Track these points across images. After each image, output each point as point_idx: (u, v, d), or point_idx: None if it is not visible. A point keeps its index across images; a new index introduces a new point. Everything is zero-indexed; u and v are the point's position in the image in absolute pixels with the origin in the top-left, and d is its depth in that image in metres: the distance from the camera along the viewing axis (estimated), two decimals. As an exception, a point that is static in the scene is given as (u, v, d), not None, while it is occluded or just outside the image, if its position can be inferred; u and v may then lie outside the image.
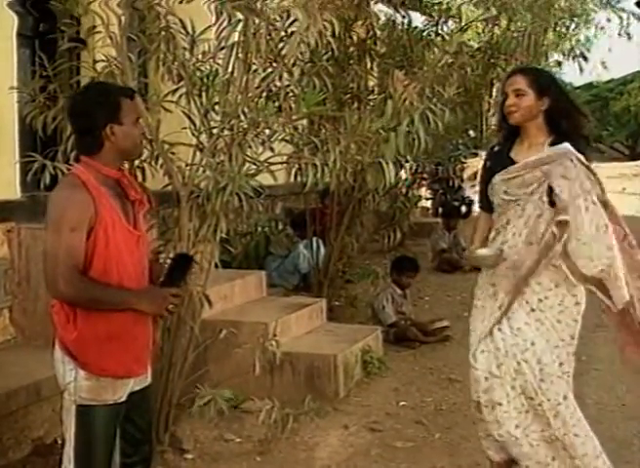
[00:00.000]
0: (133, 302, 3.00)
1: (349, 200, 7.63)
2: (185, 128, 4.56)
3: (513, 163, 3.85)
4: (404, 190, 9.98)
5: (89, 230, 2.90)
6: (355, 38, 6.56)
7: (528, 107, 3.80)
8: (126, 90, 3.19)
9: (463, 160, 13.38)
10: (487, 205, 4.01)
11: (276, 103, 4.50)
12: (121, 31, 4.21)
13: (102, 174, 3.00)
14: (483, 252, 3.89)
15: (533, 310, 3.83)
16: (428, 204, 14.98)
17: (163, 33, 4.24)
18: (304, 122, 4.99)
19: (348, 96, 6.57)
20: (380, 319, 7.31)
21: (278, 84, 4.61)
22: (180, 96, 4.45)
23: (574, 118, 3.86)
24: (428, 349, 7.03)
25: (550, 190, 3.75)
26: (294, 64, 4.61)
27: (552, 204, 3.75)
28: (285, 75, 4.58)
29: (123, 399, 3.08)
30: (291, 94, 4.68)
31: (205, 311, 4.74)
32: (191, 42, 4.35)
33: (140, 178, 4.54)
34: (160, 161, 4.44)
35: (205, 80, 4.40)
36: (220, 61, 4.44)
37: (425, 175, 12.49)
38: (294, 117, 4.31)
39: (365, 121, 4.31)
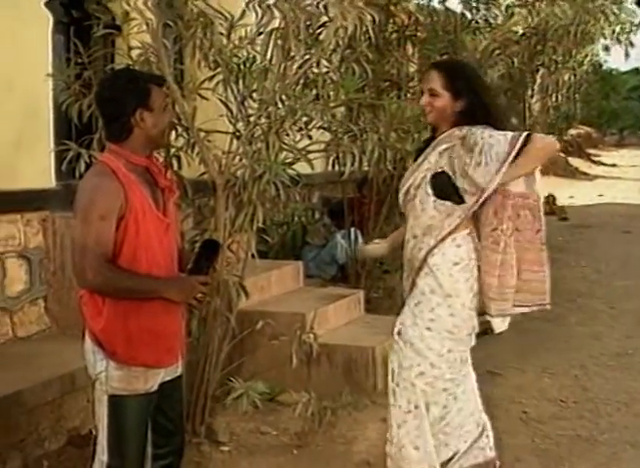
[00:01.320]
0: (161, 291, 3.00)
1: (388, 189, 7.60)
2: (222, 115, 4.57)
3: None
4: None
5: (119, 218, 2.91)
6: (395, 24, 6.53)
7: (441, 109, 3.71)
8: (155, 77, 3.21)
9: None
10: None
11: (314, 91, 4.49)
12: (156, 17, 4.22)
13: (131, 161, 3.00)
14: (369, 246, 3.99)
15: (413, 313, 3.82)
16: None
17: (201, 19, 4.23)
18: (342, 109, 4.97)
19: (388, 83, 6.54)
20: (419, 311, 7.27)
21: (316, 70, 4.60)
22: (217, 83, 4.46)
23: (491, 118, 3.71)
24: (469, 342, 6.99)
25: (435, 179, 3.70)
26: (333, 51, 4.59)
27: (440, 196, 3.70)
28: (323, 62, 4.57)
29: (154, 388, 3.10)
30: (329, 80, 4.67)
31: (241, 302, 4.76)
32: (229, 28, 4.35)
33: (175, 167, 4.57)
34: (196, 149, 4.46)
35: (242, 67, 4.40)
36: (257, 48, 4.44)
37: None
38: (332, 104, 4.29)
39: (405, 109, 4.28)
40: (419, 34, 6.41)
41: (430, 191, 3.70)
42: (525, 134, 3.58)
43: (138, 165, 3.03)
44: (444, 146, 3.69)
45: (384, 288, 7.91)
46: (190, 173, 4.68)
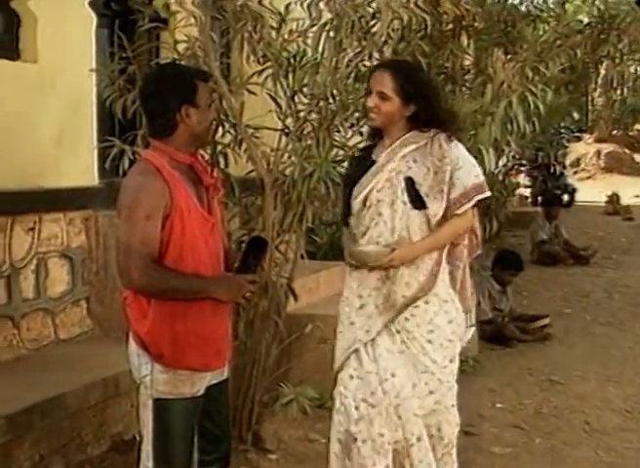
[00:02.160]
0: (209, 290, 3.03)
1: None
2: (271, 111, 4.60)
3: (370, 162, 3.70)
4: (500, 177, 9.87)
5: (164, 218, 2.93)
6: (451, 13, 6.50)
7: (390, 113, 3.61)
8: (201, 72, 3.22)
9: (566, 144, 13.16)
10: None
11: (366, 85, 4.49)
12: (202, 10, 4.26)
13: (175, 159, 3.03)
14: (369, 247, 3.66)
15: (398, 332, 3.68)
16: (527, 192, 14.80)
17: (247, 11, 4.27)
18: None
19: (442, 76, 6.52)
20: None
21: (368, 64, 4.61)
22: (266, 77, 4.49)
23: (440, 123, 3.65)
24: (527, 348, 6.98)
25: (412, 183, 3.61)
26: (385, 43, 4.59)
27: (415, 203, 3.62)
28: (375, 55, 4.58)
29: (201, 392, 3.12)
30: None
31: (290, 304, 4.79)
32: (280, 21, 4.38)
33: (222, 164, 4.62)
34: (244, 146, 4.49)
35: (292, 60, 4.43)
36: (308, 41, 4.46)
37: (524, 161, 12.32)
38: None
39: (462, 104, 4.27)
40: (475, 25, 6.38)
41: (406, 198, 3.62)
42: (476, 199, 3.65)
43: (182, 162, 3.05)
44: (410, 148, 3.64)
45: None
46: (237, 170, 4.72)
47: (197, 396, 3.12)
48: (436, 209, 3.62)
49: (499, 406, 5.62)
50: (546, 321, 7.41)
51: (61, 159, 5.36)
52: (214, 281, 3.08)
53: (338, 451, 3.74)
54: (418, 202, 3.62)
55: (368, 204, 3.66)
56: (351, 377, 3.70)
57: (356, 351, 3.70)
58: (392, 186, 3.62)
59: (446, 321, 3.70)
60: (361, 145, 4.24)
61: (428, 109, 3.61)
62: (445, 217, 3.63)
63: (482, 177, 3.72)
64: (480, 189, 3.68)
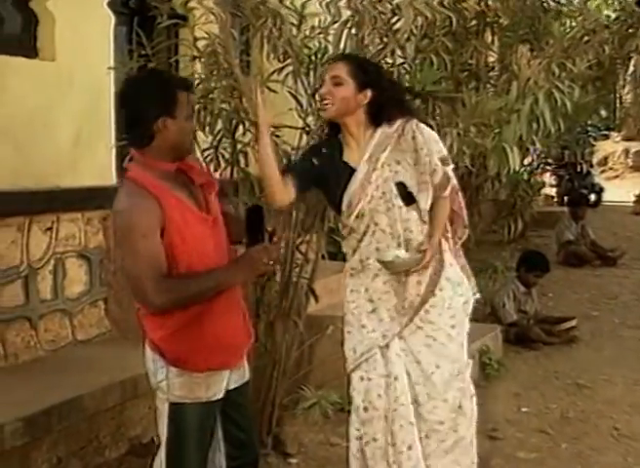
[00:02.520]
0: (226, 280, 3.02)
1: (465, 187, 7.53)
2: (291, 109, 4.61)
3: (349, 169, 3.65)
4: (526, 176, 9.84)
5: (161, 231, 2.91)
6: (472, 10, 6.48)
7: (345, 99, 3.54)
8: (183, 81, 3.16)
9: (593, 143, 13.10)
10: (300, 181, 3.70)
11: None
12: (221, 7, 4.27)
13: (158, 168, 3.00)
14: (402, 254, 3.63)
15: (420, 328, 3.70)
16: (553, 191, 14.74)
17: (265, 8, 4.27)
18: (417, 102, 4.96)
19: (466, 73, 6.50)
20: (499, 317, 7.26)
21: (389, 61, 4.60)
22: (287, 75, 4.50)
23: (400, 108, 3.64)
24: (553, 351, 6.95)
25: (404, 187, 3.61)
26: (407, 39, 4.59)
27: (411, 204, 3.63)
28: (397, 52, 4.58)
29: (217, 397, 3.12)
30: (404, 72, 4.67)
31: (310, 305, 4.79)
32: (299, 17, 4.39)
33: (242, 163, 4.63)
34: (264, 145, 4.49)
35: (313, 57, 4.43)
36: (329, 38, 4.46)
37: (550, 160, 12.27)
38: (408, 97, 4.29)
39: (486, 101, 4.26)
40: (500, 21, 6.35)
41: (401, 202, 3.62)
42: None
43: (166, 171, 3.03)
44: (387, 151, 3.62)
45: (462, 292, 7.87)
46: (257, 169, 4.72)
47: (213, 400, 3.12)
48: (424, 201, 3.65)
49: (524, 410, 5.60)
50: (573, 323, 7.38)
51: (79, 158, 5.40)
52: (228, 268, 3.06)
53: (355, 452, 3.78)
54: (413, 202, 3.64)
55: (360, 215, 3.65)
56: (361, 379, 3.74)
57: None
58: (384, 195, 3.63)
59: (462, 303, 3.77)
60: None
61: (386, 93, 3.59)
62: None
63: (445, 150, 3.74)
64: (447, 161, 3.70)
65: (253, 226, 3.07)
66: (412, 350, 3.68)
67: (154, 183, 2.95)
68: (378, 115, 3.60)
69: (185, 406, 3.07)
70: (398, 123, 3.61)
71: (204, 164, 4.63)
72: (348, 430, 3.83)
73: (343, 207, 3.66)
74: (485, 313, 7.54)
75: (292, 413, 4.82)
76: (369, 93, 3.56)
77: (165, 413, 3.10)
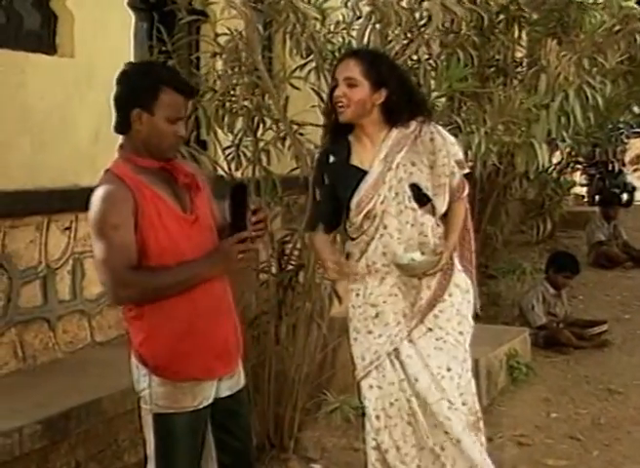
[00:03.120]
0: (199, 272, 2.95)
1: (493, 186, 7.57)
2: (314, 106, 4.62)
3: (359, 171, 3.62)
4: (555, 175, 9.81)
5: (134, 225, 2.88)
6: (499, 3, 6.47)
7: (361, 101, 3.50)
8: (179, 83, 3.01)
9: (625, 140, 13.03)
10: (329, 223, 3.79)
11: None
12: (241, 1, 4.29)
13: (138, 165, 2.97)
14: (417, 257, 3.61)
15: (430, 329, 3.68)
16: (583, 191, 14.67)
17: (285, 2, 4.29)
18: (443, 99, 4.97)
19: (493, 69, 6.50)
20: (527, 320, 7.24)
21: (414, 57, 4.61)
22: (310, 71, 4.52)
23: (416, 107, 3.60)
24: (583, 355, 6.92)
25: (418, 189, 3.59)
26: (432, 34, 4.59)
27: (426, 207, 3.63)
28: (422, 48, 4.57)
29: (205, 404, 3.06)
30: (429, 68, 4.67)
31: (334, 307, 4.80)
32: (321, 12, 4.40)
33: (264, 162, 4.65)
34: (287, 143, 4.51)
35: (337, 53, 4.45)
36: (353, 33, 4.48)
37: (580, 158, 12.22)
38: (434, 94, 4.30)
39: (515, 98, 4.26)
40: (527, 14, 6.34)
41: (415, 205, 3.61)
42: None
43: (146, 167, 2.99)
44: (403, 152, 3.60)
45: (489, 294, 7.87)
46: (280, 168, 4.75)
47: (200, 408, 3.05)
48: (441, 204, 3.64)
49: (553, 415, 5.58)
50: (604, 328, 7.35)
51: (98, 156, 5.42)
52: (200, 260, 2.97)
53: (374, 461, 3.77)
54: (426, 205, 3.63)
55: (371, 216, 3.63)
56: (370, 387, 3.72)
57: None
58: (397, 196, 3.61)
59: (469, 310, 3.78)
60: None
61: (401, 92, 3.56)
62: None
63: (461, 154, 3.73)
64: (463, 165, 3.71)
65: (236, 206, 2.97)
66: (421, 354, 3.67)
67: (131, 176, 2.93)
68: (393, 115, 3.59)
69: (171, 416, 3.00)
70: (415, 124, 3.61)
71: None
72: (366, 439, 3.83)
73: (352, 205, 3.63)
74: (513, 315, 7.54)
75: (314, 418, 4.83)
76: (384, 92, 3.54)
77: (150, 424, 3.03)
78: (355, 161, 3.65)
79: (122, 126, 2.99)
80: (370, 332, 3.71)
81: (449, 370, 3.67)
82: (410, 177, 3.60)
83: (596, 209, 11.54)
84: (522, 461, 4.85)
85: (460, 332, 3.72)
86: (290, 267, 4.69)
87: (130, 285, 2.88)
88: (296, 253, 4.66)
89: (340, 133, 3.69)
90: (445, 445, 3.67)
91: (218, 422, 3.14)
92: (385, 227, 3.62)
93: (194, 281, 2.95)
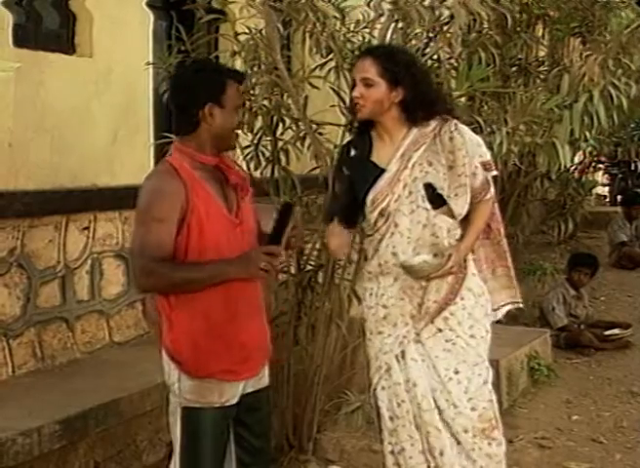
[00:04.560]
0: (222, 271, 2.98)
1: (514, 186, 7.54)
2: (334, 105, 4.62)
3: (377, 168, 3.62)
4: (577, 175, 9.76)
5: (180, 220, 2.93)
6: (522, 1, 6.45)
7: (378, 101, 3.51)
8: (235, 73, 3.18)
9: (648, 140, 12.93)
10: (344, 217, 3.76)
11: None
12: (263, 1, 4.29)
13: (196, 160, 3.03)
14: (423, 258, 3.59)
15: (440, 330, 3.67)
16: (605, 190, 14.61)
17: (309, 2, 4.29)
18: (463, 99, 4.96)
19: (515, 68, 6.48)
20: (548, 321, 7.22)
21: (435, 56, 4.60)
22: (329, 70, 4.52)
23: (432, 106, 3.59)
24: (605, 357, 6.89)
25: (432, 189, 3.58)
26: (452, 34, 4.58)
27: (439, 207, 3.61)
28: (445, 47, 4.56)
29: (232, 402, 3.10)
30: (450, 67, 4.66)
31: (353, 308, 4.80)
32: (340, 11, 4.40)
33: (283, 161, 4.65)
34: (307, 142, 4.52)
35: (357, 52, 4.43)
36: (374, 32, 4.47)
37: (602, 158, 12.16)
38: (455, 94, 4.29)
39: (537, 98, 4.24)
40: (551, 13, 6.32)
41: (429, 205, 3.60)
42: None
43: (204, 163, 3.05)
44: (421, 151, 3.60)
45: (509, 295, 7.83)
46: (299, 168, 4.75)
47: (227, 406, 3.10)
48: (461, 206, 3.62)
49: (575, 418, 5.56)
50: (630, 331, 7.29)
51: (117, 156, 5.47)
52: (221, 263, 3.01)
53: (391, 465, 3.78)
54: (442, 206, 3.62)
55: (385, 214, 3.63)
56: (383, 388, 3.74)
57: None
58: (411, 195, 3.60)
59: (483, 314, 3.74)
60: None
61: (417, 91, 3.55)
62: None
63: (489, 155, 3.72)
64: (490, 167, 3.69)
65: (279, 222, 3.04)
66: (429, 355, 3.66)
67: (188, 171, 2.99)
68: (412, 113, 3.58)
69: (198, 411, 3.06)
70: (435, 123, 3.60)
71: (243, 167, 4.68)
72: (382, 445, 3.83)
73: (368, 202, 3.63)
74: (534, 317, 7.51)
75: (333, 419, 4.82)
76: (400, 90, 3.54)
77: (178, 417, 3.10)
78: (374, 157, 3.66)
79: (188, 125, 3.06)
80: (380, 333, 3.72)
81: (457, 372, 3.66)
82: (425, 177, 3.60)
83: (618, 209, 11.49)
84: (543, 464, 4.84)
85: (472, 336, 3.69)
86: (309, 267, 4.69)
87: (153, 274, 2.93)
88: (315, 253, 4.66)
89: (364, 128, 3.70)
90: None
91: (238, 418, 3.18)
92: (396, 225, 3.62)
93: (216, 279, 2.99)
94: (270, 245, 3.00)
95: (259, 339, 3.19)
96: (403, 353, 3.68)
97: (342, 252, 3.76)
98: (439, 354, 3.66)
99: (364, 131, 3.71)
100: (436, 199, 3.61)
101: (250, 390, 3.18)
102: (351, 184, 3.71)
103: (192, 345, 3.03)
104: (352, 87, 3.63)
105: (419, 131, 3.60)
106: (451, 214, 3.64)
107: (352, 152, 3.73)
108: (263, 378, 3.26)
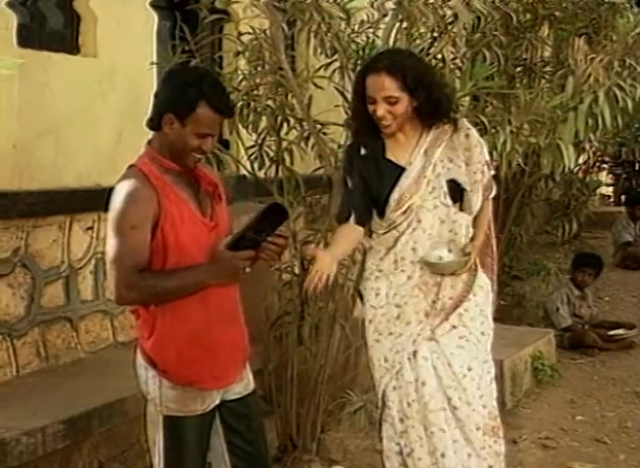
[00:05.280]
0: (202, 280, 2.90)
1: (518, 186, 7.53)
2: (338, 105, 4.62)
3: (395, 166, 3.63)
4: (581, 175, 9.75)
5: (154, 227, 2.87)
6: (527, 1, 6.44)
7: (404, 114, 3.55)
8: (219, 102, 2.94)
9: (652, 140, 12.91)
10: (361, 214, 3.71)
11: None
12: (266, 1, 4.30)
13: (163, 166, 2.96)
14: (445, 255, 3.62)
15: (455, 327, 3.68)
16: (609, 190, 14.59)
17: (313, 2, 4.29)
18: (467, 99, 4.96)
19: (519, 69, 6.48)
20: (552, 321, 7.22)
21: (439, 56, 4.60)
22: (334, 70, 4.52)
23: (447, 105, 3.64)
24: (609, 357, 6.89)
25: (456, 185, 3.60)
26: (457, 34, 4.58)
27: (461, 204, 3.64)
28: (449, 46, 4.57)
29: (212, 407, 3.08)
30: (454, 67, 4.66)
31: (357, 308, 4.80)
32: (345, 11, 4.40)
33: (287, 161, 4.66)
34: (310, 142, 4.52)
35: (361, 53, 4.45)
36: (378, 32, 4.47)
37: (606, 158, 12.14)
38: (459, 94, 4.29)
39: (541, 98, 4.24)
40: (556, 14, 6.31)
41: (450, 201, 3.63)
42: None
43: (170, 168, 2.98)
44: (441, 148, 3.63)
45: (513, 295, 7.85)
46: (303, 168, 4.76)
47: (207, 411, 3.07)
48: (476, 202, 3.67)
49: (579, 418, 5.56)
50: (634, 332, 7.29)
51: (121, 156, 5.43)
52: (205, 269, 2.91)
53: (397, 466, 3.76)
54: (463, 203, 3.66)
55: (409, 210, 3.63)
56: (394, 388, 3.72)
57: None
58: (434, 191, 3.63)
59: (490, 311, 3.79)
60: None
61: (433, 93, 3.58)
62: None
63: (487, 155, 3.76)
64: (489, 166, 3.75)
65: (264, 222, 2.85)
66: (444, 351, 3.66)
67: (156, 175, 2.93)
68: (429, 113, 3.61)
69: (182, 419, 3.02)
70: (444, 123, 3.64)
71: (247, 167, 4.68)
72: (384, 446, 3.81)
73: (391, 202, 3.62)
74: (538, 317, 7.51)
75: (337, 419, 4.82)
76: (418, 95, 3.56)
77: (160, 426, 3.04)
78: (390, 156, 3.67)
79: (153, 123, 2.98)
80: (391, 334, 3.71)
81: (470, 369, 3.67)
82: (447, 173, 3.63)
83: (622, 209, 11.48)
84: (547, 464, 4.84)
85: (482, 333, 3.73)
86: (313, 267, 4.68)
87: (134, 287, 2.87)
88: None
89: (371, 132, 3.68)
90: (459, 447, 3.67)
91: (228, 426, 3.15)
92: (419, 221, 3.64)
93: (197, 287, 2.93)
94: (243, 242, 2.85)
95: (239, 343, 3.15)
96: (415, 351, 3.67)
97: (327, 273, 3.49)
98: (454, 351, 3.66)
99: (372, 132, 3.68)
100: (455, 195, 3.64)
101: (235, 396, 3.15)
102: (364, 184, 3.69)
103: (175, 352, 2.98)
104: (361, 101, 3.60)
105: (436, 128, 3.63)
106: (469, 212, 3.67)
107: (362, 151, 3.71)
108: (248, 383, 3.22)
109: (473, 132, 3.67)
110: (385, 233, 3.70)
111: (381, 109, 3.54)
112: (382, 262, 3.73)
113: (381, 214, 3.70)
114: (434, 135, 3.64)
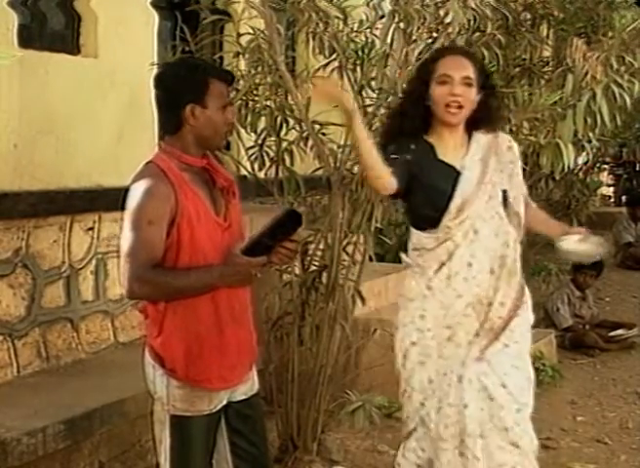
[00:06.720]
0: (215, 281, 2.89)
1: (518, 186, 7.52)
2: (336, 106, 4.61)
3: (451, 168, 3.51)
4: (581, 175, 9.75)
5: (170, 224, 2.87)
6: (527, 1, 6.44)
7: (472, 103, 3.43)
8: (221, 71, 3.12)
9: (653, 140, 12.91)
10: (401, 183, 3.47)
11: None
12: (262, 1, 4.30)
13: (183, 161, 2.96)
14: (581, 242, 3.65)
15: (507, 346, 3.56)
16: (610, 191, 14.60)
17: (311, 2, 4.29)
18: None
19: (518, 68, 6.47)
20: (553, 322, 7.22)
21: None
22: (333, 70, 4.52)
23: (498, 114, 3.62)
24: (610, 357, 6.88)
25: (505, 196, 3.51)
26: (458, 33, 4.58)
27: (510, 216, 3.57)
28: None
29: (219, 407, 3.08)
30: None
31: (357, 308, 4.80)
32: (342, 11, 4.40)
33: (287, 162, 4.65)
34: (310, 143, 4.52)
35: (360, 53, 4.45)
36: (376, 32, 4.47)
37: (607, 158, 12.14)
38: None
39: (540, 97, 4.24)
40: (556, 13, 6.30)
41: (503, 212, 3.52)
42: None
43: (191, 165, 2.99)
44: (493, 155, 3.55)
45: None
46: (303, 168, 4.75)
47: (214, 412, 3.07)
48: (523, 214, 3.59)
49: (580, 419, 5.56)
50: (635, 332, 7.28)
51: (122, 156, 5.46)
52: (219, 271, 2.89)
53: None
54: (513, 215, 3.56)
55: (466, 219, 3.48)
56: (439, 409, 3.59)
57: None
58: (491, 200, 3.50)
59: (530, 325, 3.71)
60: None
61: (492, 97, 3.54)
62: None
63: None
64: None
65: (279, 227, 2.84)
66: (497, 372, 3.52)
67: (176, 172, 2.92)
68: (479, 121, 3.53)
69: (189, 419, 3.02)
70: (491, 132, 3.56)
71: (247, 168, 4.67)
72: (405, 455, 3.73)
73: (452, 208, 3.45)
74: (539, 317, 7.49)
75: (337, 419, 4.82)
76: (479, 97, 3.48)
77: (166, 425, 3.05)
78: (442, 157, 3.54)
79: (172, 126, 2.98)
80: (440, 356, 3.57)
81: (522, 389, 3.58)
82: (501, 183, 3.53)
83: (623, 209, 11.49)
84: (548, 465, 4.81)
85: (527, 349, 3.66)
86: (313, 268, 4.69)
87: (147, 282, 2.87)
88: (319, 253, 4.66)
89: (416, 132, 3.55)
90: None
91: (232, 427, 3.15)
92: (476, 232, 3.49)
93: (208, 288, 2.94)
94: (258, 247, 2.84)
95: (247, 345, 3.15)
96: (461, 375, 3.53)
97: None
98: (507, 371, 3.54)
99: (417, 135, 3.55)
100: (511, 211, 3.54)
101: (241, 397, 3.16)
102: (411, 173, 3.46)
103: (184, 351, 2.98)
104: (415, 87, 3.52)
105: (484, 135, 3.54)
106: (519, 222, 3.58)
107: (412, 146, 3.52)
108: (253, 384, 3.23)
109: (515, 145, 3.60)
110: (437, 247, 3.52)
111: (458, 89, 3.40)
112: (434, 279, 3.55)
113: (435, 224, 3.50)
114: (485, 142, 3.52)
